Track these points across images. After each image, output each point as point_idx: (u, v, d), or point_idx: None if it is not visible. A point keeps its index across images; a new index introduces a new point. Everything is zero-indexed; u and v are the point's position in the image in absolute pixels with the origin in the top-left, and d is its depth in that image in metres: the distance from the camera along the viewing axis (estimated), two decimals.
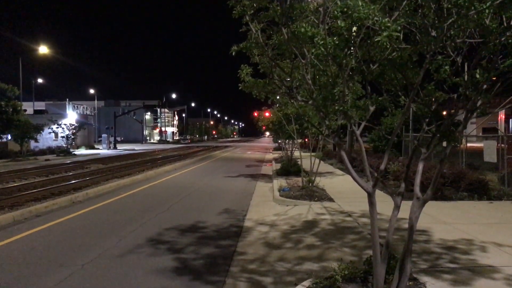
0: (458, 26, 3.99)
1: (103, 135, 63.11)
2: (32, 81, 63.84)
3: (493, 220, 9.93)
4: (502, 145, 14.57)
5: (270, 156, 40.29)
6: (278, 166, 23.80)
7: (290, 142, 22.79)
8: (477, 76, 4.19)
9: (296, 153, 21.61)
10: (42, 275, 6.60)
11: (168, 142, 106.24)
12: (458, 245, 7.71)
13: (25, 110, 42.73)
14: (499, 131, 16.13)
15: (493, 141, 15.17)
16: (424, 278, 5.88)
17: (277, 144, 44.14)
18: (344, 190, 14.96)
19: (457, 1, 3.73)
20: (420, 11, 4.13)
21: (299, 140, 19.11)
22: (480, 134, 24.24)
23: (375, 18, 3.81)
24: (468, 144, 17.81)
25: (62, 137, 44.79)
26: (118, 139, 76.17)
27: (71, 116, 55.21)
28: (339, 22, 4.09)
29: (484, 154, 15.22)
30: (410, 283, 5.52)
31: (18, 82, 46.81)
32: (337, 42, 4.25)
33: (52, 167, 26.48)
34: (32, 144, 42.35)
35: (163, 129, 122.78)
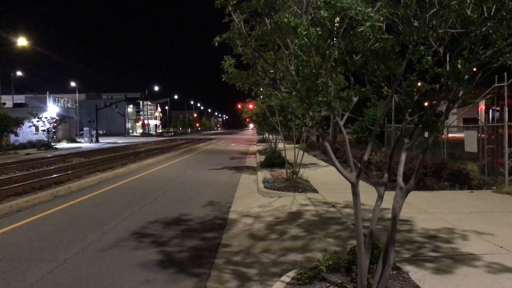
0: (440, 16, 4.01)
1: (84, 129, 62.25)
2: (11, 73, 62.66)
3: (474, 209, 10.10)
4: (483, 135, 14.79)
5: (254, 148, 40.29)
6: (262, 158, 23.83)
7: (275, 135, 22.81)
8: (459, 66, 4.22)
9: (280, 145, 21.63)
10: (24, 270, 6.51)
11: (151, 135, 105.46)
12: (440, 234, 7.83)
13: (4, 104, 41.93)
14: (479, 121, 16.33)
15: (473, 131, 15.38)
16: (407, 267, 5.95)
17: (261, 136, 44.17)
18: (327, 181, 15.05)
19: None
20: (402, 1, 4.13)
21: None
22: (461, 124, 24.58)
23: (358, 8, 3.80)
24: (450, 135, 18.04)
25: (43, 130, 44.08)
26: (100, 132, 75.21)
27: (52, 109, 54.36)
28: (322, 12, 4.06)
29: (465, 144, 15.44)
30: (394, 272, 5.58)
31: None
32: (320, 33, 4.23)
33: (33, 161, 26.06)
34: (12, 138, 41.56)
35: (145, 122, 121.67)
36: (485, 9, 3.97)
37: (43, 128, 44.01)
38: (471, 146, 15.08)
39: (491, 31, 3.97)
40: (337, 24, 4.22)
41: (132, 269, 6.54)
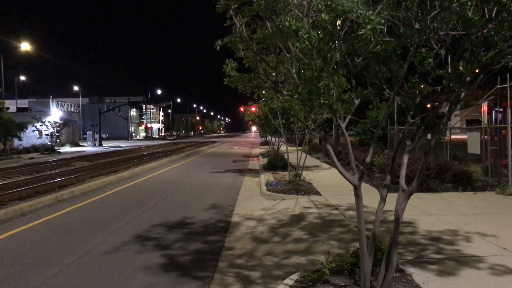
0: (441, 18, 4.01)
1: (88, 132, 62.37)
2: (14, 78, 62.94)
3: (477, 210, 10.07)
4: (485, 136, 14.75)
5: (257, 151, 40.27)
6: (265, 160, 23.82)
7: (278, 137, 22.82)
8: (461, 68, 4.22)
9: (283, 148, 21.63)
10: (28, 274, 6.52)
11: (154, 139, 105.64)
12: (443, 236, 7.81)
13: (8, 108, 41.98)
14: (482, 122, 16.30)
15: (476, 133, 15.34)
16: (411, 269, 5.94)
17: (263, 139, 44.16)
18: (330, 184, 15.03)
19: None
20: (403, 3, 4.13)
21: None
22: (464, 126, 24.56)
23: (359, 11, 3.81)
24: (452, 136, 18.00)
25: (46, 135, 44.23)
26: (104, 136, 75.33)
27: (55, 113, 54.51)
28: (323, 15, 4.08)
29: (468, 145, 15.40)
30: (397, 274, 5.57)
31: (0, 80, 46.05)
32: (321, 36, 4.24)
33: (37, 165, 26.13)
34: (16, 142, 41.66)
35: (148, 125, 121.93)
36: (486, 11, 3.97)
37: (47, 132, 44.15)
38: (474, 147, 15.03)
39: (492, 33, 3.97)
40: (338, 27, 4.23)
41: (135, 272, 6.55)
